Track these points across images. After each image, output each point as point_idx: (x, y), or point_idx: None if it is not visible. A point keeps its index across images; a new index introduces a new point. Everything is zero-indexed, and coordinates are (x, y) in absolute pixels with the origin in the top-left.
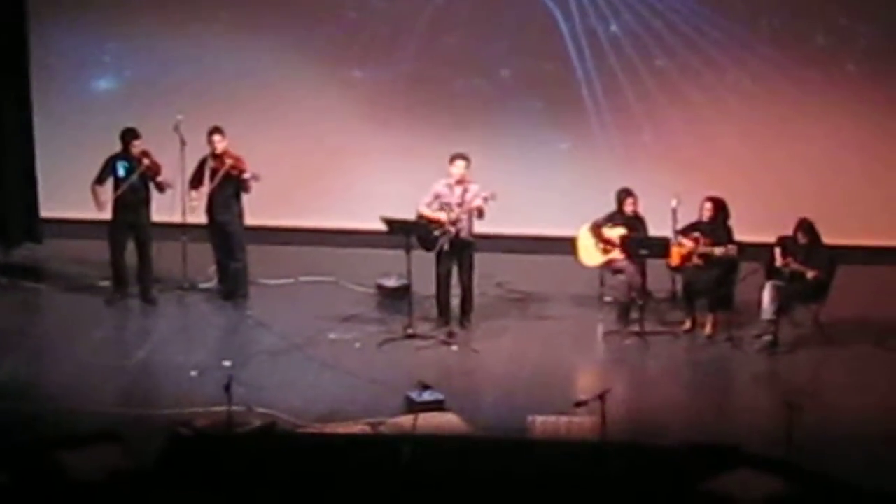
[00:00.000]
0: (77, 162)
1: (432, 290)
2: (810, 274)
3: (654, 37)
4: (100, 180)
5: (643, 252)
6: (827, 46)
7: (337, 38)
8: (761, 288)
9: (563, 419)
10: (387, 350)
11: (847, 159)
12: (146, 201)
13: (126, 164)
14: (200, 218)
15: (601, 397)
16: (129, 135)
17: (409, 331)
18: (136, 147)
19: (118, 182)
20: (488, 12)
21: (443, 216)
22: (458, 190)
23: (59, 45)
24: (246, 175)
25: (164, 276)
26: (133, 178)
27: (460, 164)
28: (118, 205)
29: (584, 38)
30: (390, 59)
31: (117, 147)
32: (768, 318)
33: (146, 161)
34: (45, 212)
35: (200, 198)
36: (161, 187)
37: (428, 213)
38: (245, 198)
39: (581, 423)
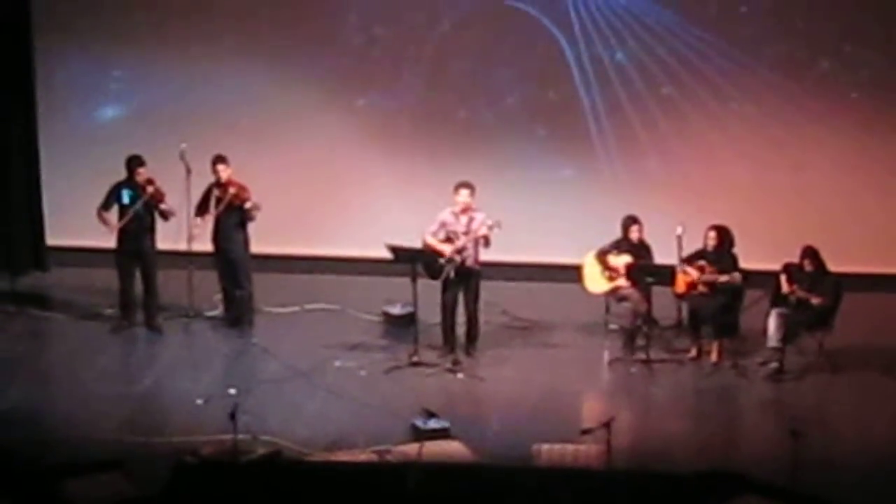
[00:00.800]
0: (83, 190)
1: (438, 317)
2: (816, 301)
3: (659, 65)
4: (105, 207)
5: (649, 279)
6: (831, 74)
7: (341, 66)
8: (767, 315)
9: (569, 447)
10: (392, 378)
11: (852, 186)
12: (150, 229)
13: (131, 191)
14: (206, 246)
15: (607, 425)
16: (133, 162)
17: (415, 358)
18: (141, 174)
19: (123, 209)
20: (493, 40)
21: (446, 248)
22: (464, 218)
23: (65, 74)
24: (247, 205)
25: (169, 304)
26: (138, 206)
27: (464, 192)
28: (122, 233)
29: (589, 66)
30: (394, 88)
31: (123, 175)
32: (774, 346)
33: (150, 188)
34: (52, 240)
35: (204, 225)
36: (165, 215)
37: (433, 242)
38: (250, 226)
39: (587, 451)
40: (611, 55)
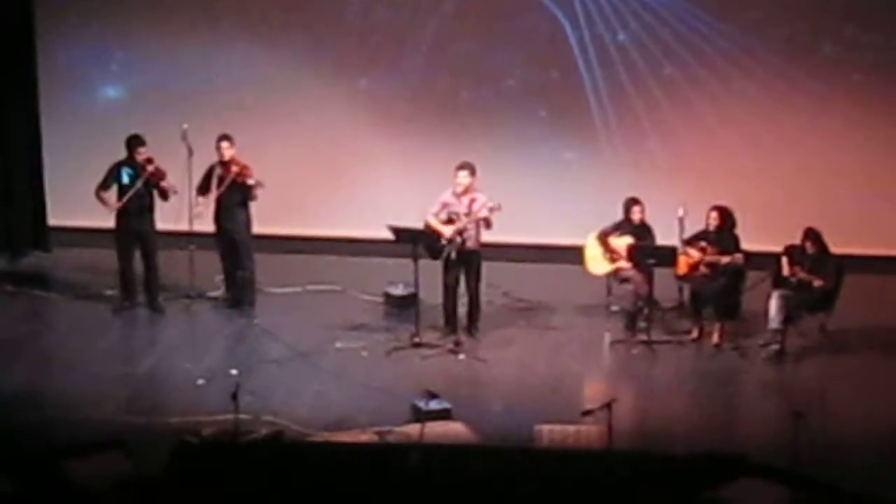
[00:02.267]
0: (85, 170)
1: (439, 298)
2: (817, 283)
3: (661, 46)
4: (104, 187)
5: (650, 261)
6: (834, 56)
7: (343, 47)
8: (768, 297)
9: (570, 428)
10: (394, 359)
11: (854, 168)
12: (150, 209)
13: (130, 170)
14: (208, 226)
15: (608, 406)
16: (133, 142)
17: (416, 340)
18: (141, 154)
19: (122, 189)
20: (495, 21)
21: (447, 229)
22: (465, 200)
23: (66, 55)
24: (250, 181)
25: (171, 285)
26: (137, 185)
27: (463, 174)
28: (122, 213)
29: (591, 48)
30: (397, 69)
31: (124, 155)
32: (775, 327)
33: (150, 168)
34: (53, 220)
35: (206, 204)
36: (164, 193)
37: (434, 223)
38: (252, 206)
39: (588, 432)
40: (613, 36)
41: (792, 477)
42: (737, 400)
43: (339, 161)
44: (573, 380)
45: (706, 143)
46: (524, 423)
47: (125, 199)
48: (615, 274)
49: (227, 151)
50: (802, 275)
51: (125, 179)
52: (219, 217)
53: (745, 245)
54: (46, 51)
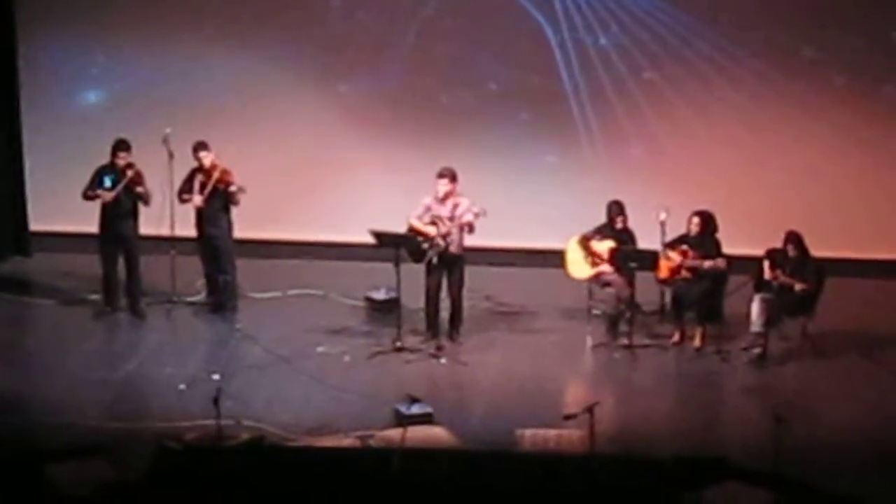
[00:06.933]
0: (66, 175)
1: (421, 303)
2: (798, 286)
3: (642, 49)
4: (90, 189)
5: (632, 265)
6: (814, 59)
7: (324, 51)
8: (750, 301)
9: (552, 432)
10: (376, 363)
11: (835, 172)
12: (133, 214)
13: (112, 175)
14: (189, 231)
15: (590, 410)
16: (117, 146)
17: (398, 344)
18: (123, 159)
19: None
20: (476, 25)
21: (432, 230)
22: (449, 204)
23: (47, 59)
24: (232, 188)
25: (152, 290)
26: (118, 189)
27: (442, 182)
28: (105, 217)
29: (572, 51)
30: (377, 73)
31: (106, 160)
32: (757, 331)
33: (130, 172)
34: (35, 225)
35: (191, 199)
36: (141, 197)
37: (418, 225)
38: (234, 211)
39: (570, 436)
40: (594, 40)
41: (774, 480)
42: (719, 403)
43: (321, 165)
44: (555, 384)
45: (687, 147)
46: (506, 427)
47: (109, 198)
48: (597, 278)
49: (206, 159)
50: (784, 278)
51: (107, 184)
52: (200, 222)
53: (727, 249)
54: (28, 54)
